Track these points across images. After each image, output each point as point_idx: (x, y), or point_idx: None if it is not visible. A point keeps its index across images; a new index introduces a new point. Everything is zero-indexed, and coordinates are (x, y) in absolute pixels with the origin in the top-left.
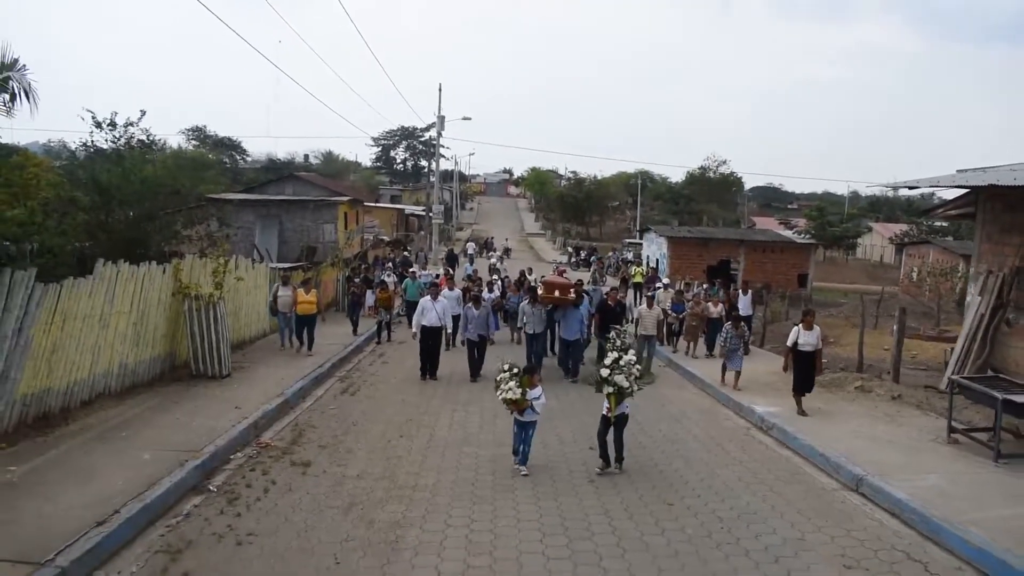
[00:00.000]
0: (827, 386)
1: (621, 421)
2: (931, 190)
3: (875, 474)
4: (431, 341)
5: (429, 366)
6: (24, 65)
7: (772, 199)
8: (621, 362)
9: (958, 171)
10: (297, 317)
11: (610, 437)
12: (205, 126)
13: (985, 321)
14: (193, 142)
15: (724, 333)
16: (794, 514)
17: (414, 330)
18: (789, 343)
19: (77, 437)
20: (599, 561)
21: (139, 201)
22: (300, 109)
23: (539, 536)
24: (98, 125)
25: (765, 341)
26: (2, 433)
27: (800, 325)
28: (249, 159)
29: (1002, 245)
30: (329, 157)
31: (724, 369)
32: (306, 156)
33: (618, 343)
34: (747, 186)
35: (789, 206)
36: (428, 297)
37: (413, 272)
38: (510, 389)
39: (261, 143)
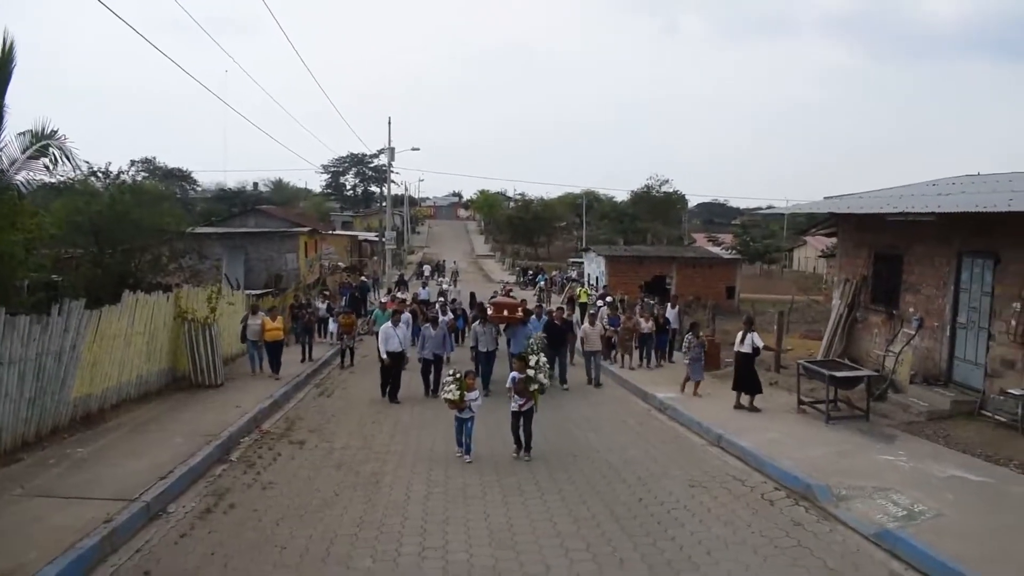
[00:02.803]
0: (720, 376)
1: (529, 415)
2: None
3: (732, 433)
4: (394, 365)
5: (391, 388)
6: (64, 135)
7: (717, 215)
8: (540, 363)
9: (825, 198)
10: (266, 344)
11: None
12: (154, 157)
13: (843, 319)
14: (143, 174)
15: (686, 343)
16: (665, 460)
17: (384, 357)
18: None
19: (118, 430)
20: (519, 485)
21: (130, 239)
22: (249, 137)
23: (477, 476)
24: (94, 174)
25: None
26: (63, 427)
27: (743, 330)
28: (199, 189)
29: (855, 258)
30: (279, 185)
31: (687, 379)
32: (255, 184)
33: (535, 347)
34: (694, 202)
35: (733, 222)
36: (390, 324)
37: (383, 302)
38: (450, 391)
39: (211, 172)
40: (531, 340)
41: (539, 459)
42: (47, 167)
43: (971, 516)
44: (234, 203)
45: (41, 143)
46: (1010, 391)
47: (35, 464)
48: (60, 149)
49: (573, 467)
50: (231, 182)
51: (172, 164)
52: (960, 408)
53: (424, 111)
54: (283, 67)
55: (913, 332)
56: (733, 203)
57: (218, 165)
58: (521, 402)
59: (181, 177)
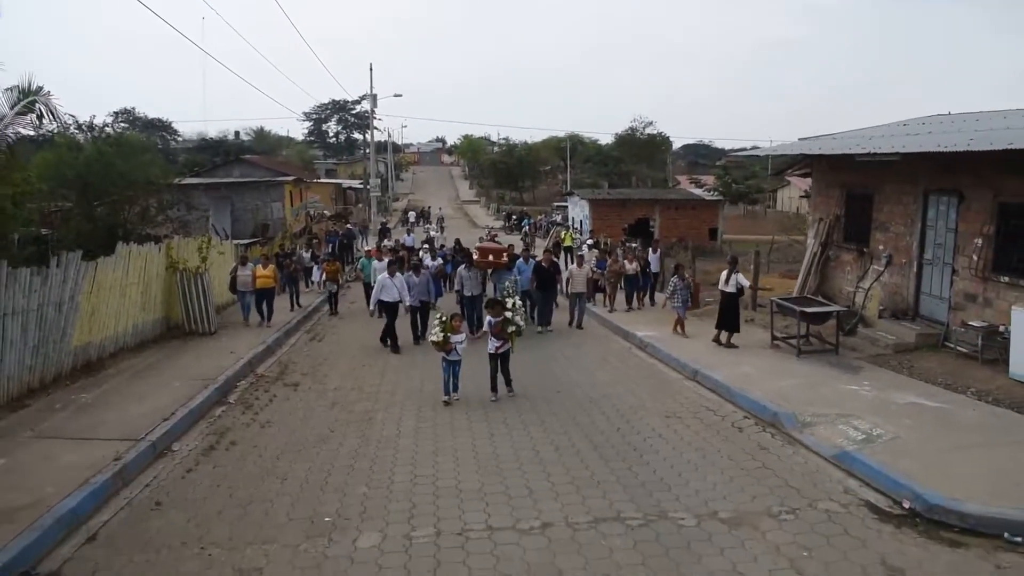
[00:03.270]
0: (700, 315)
1: (506, 356)
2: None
3: (707, 367)
4: (391, 315)
5: (391, 339)
6: (48, 91)
7: (703, 156)
8: (516, 306)
9: (799, 139)
10: (256, 291)
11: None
12: (134, 108)
13: (816, 257)
14: (123, 124)
15: (672, 285)
16: (643, 394)
17: (371, 308)
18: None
19: (118, 377)
20: (504, 419)
21: (118, 191)
22: (230, 86)
23: (465, 412)
24: (79, 127)
25: (666, 287)
26: (65, 374)
27: (727, 271)
28: (181, 139)
29: (828, 198)
30: (261, 134)
31: (677, 320)
32: (237, 133)
33: (510, 290)
34: (678, 145)
35: (717, 163)
36: (386, 274)
37: (369, 250)
38: (435, 334)
39: (191, 123)
40: (507, 284)
41: (523, 395)
42: (33, 123)
43: (924, 438)
44: (216, 153)
45: (28, 99)
46: (971, 323)
47: (42, 409)
48: (46, 105)
49: (556, 402)
50: (213, 131)
51: (152, 115)
52: (925, 340)
53: (406, 56)
54: (262, 13)
55: (882, 269)
56: (718, 144)
57: (198, 115)
58: (498, 344)
59: (162, 127)
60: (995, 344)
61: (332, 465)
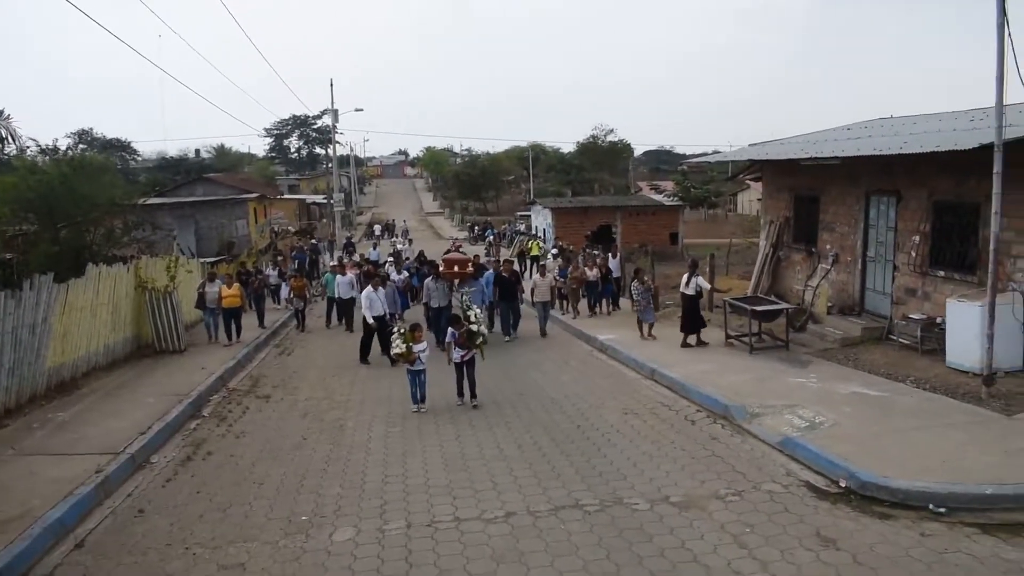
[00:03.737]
0: (660, 318)
1: (472, 363)
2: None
3: (664, 366)
4: (371, 330)
5: (364, 351)
6: (9, 115)
7: (664, 162)
8: (476, 316)
9: (750, 145)
10: (223, 311)
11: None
12: (91, 128)
13: (768, 258)
14: (81, 145)
15: (635, 291)
16: (603, 393)
17: (370, 321)
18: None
19: (92, 395)
20: (470, 421)
21: (83, 214)
22: (188, 104)
23: (432, 417)
24: (41, 151)
25: (626, 291)
26: (40, 394)
27: (688, 274)
28: (140, 159)
29: (777, 201)
30: (222, 151)
31: (640, 324)
32: (197, 151)
33: (467, 302)
34: (640, 151)
35: (679, 167)
36: (371, 288)
37: (333, 265)
38: (397, 346)
39: (150, 143)
40: (463, 296)
41: (488, 399)
42: None
43: (862, 424)
44: (177, 171)
45: None
46: (911, 316)
47: (21, 428)
48: (6, 128)
49: (519, 403)
50: (173, 150)
51: (110, 135)
52: (870, 334)
53: (366, 70)
54: (219, 29)
55: (829, 267)
56: (679, 149)
57: (157, 134)
58: (463, 353)
59: (120, 147)
60: (933, 335)
61: (307, 469)
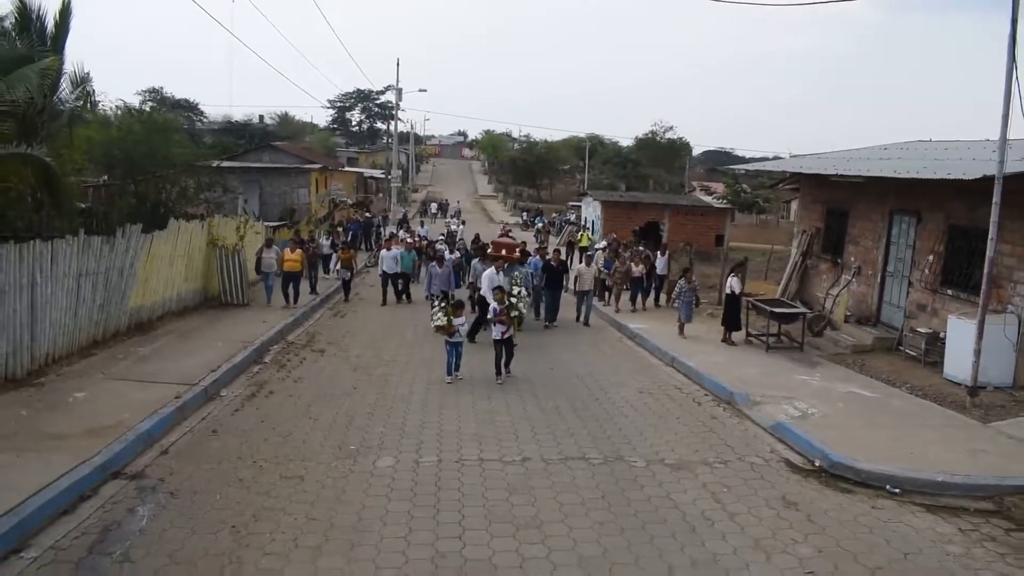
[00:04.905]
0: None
1: (510, 341)
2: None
3: (683, 355)
4: (388, 281)
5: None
6: (91, 76)
7: (723, 163)
8: (520, 294)
9: (791, 156)
10: (284, 274)
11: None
12: (162, 87)
13: (797, 266)
14: (151, 103)
15: (679, 288)
16: (624, 373)
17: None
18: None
19: (167, 336)
20: (502, 387)
21: (162, 170)
22: (256, 68)
23: (468, 381)
24: (130, 112)
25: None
26: (123, 331)
27: (731, 274)
28: (206, 120)
29: (811, 212)
30: (285, 119)
31: (680, 322)
32: (261, 117)
33: (518, 280)
34: (700, 150)
35: (728, 171)
36: (385, 250)
37: (386, 240)
38: (438, 318)
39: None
40: (516, 274)
41: (520, 371)
42: (81, 106)
43: (849, 418)
44: (241, 135)
45: (82, 86)
46: (918, 330)
47: (107, 358)
48: (83, 88)
49: (548, 376)
50: (238, 115)
51: (179, 95)
52: (882, 344)
53: (431, 49)
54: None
55: (851, 278)
56: (739, 152)
57: (223, 97)
58: (504, 330)
59: (188, 108)
60: (936, 348)
61: (355, 412)
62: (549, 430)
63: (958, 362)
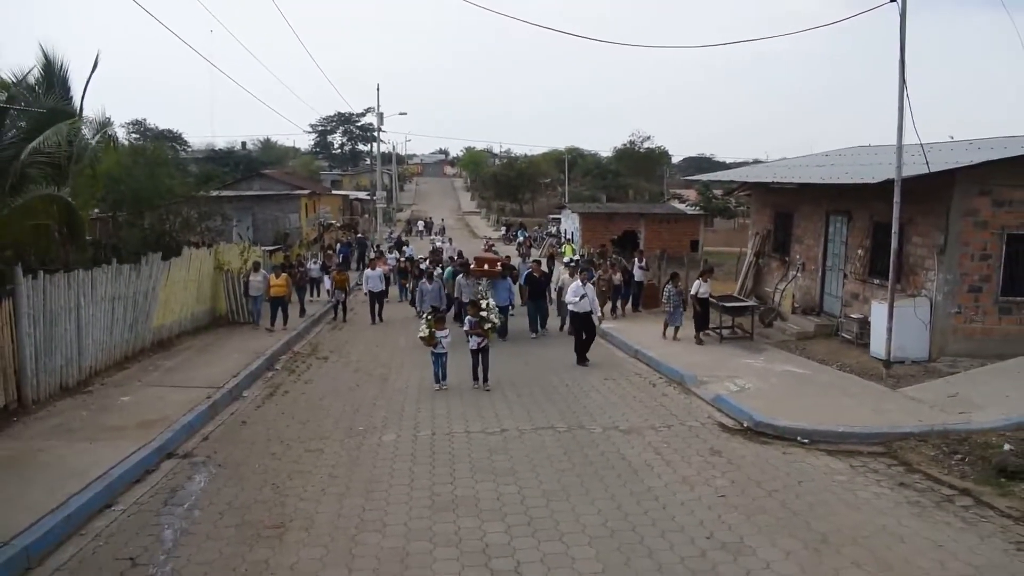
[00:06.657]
0: (658, 313)
1: (486, 351)
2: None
3: (645, 347)
4: (374, 298)
5: (373, 315)
6: (112, 120)
7: (704, 169)
8: (490, 306)
9: (741, 166)
10: (271, 300)
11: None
12: (145, 119)
13: (751, 265)
14: (134, 135)
15: (667, 293)
16: (592, 366)
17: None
18: (691, 293)
19: (187, 351)
20: (494, 378)
21: (165, 203)
22: (235, 96)
23: (456, 380)
24: (134, 152)
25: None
26: (148, 348)
27: (699, 279)
28: (190, 150)
29: (762, 215)
30: (267, 144)
31: (666, 325)
32: (244, 144)
33: (484, 293)
34: (680, 158)
35: (702, 179)
36: (368, 269)
37: (372, 259)
38: (422, 330)
39: (200, 132)
40: (480, 287)
41: (498, 367)
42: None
43: (779, 390)
44: (226, 163)
45: (103, 131)
46: (852, 315)
47: (138, 370)
48: (112, 132)
49: (524, 369)
50: (220, 142)
51: (162, 125)
52: (822, 330)
53: (411, 72)
54: (268, 27)
55: (796, 273)
56: (719, 158)
57: (204, 126)
58: (479, 340)
59: (172, 138)
60: (866, 331)
61: (360, 403)
62: (524, 410)
63: (879, 341)
